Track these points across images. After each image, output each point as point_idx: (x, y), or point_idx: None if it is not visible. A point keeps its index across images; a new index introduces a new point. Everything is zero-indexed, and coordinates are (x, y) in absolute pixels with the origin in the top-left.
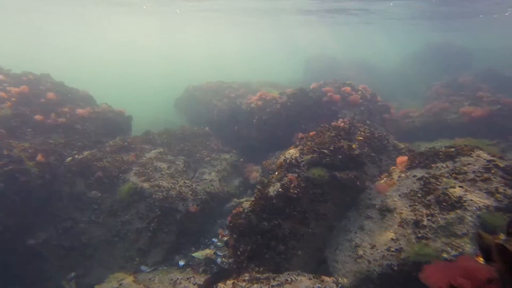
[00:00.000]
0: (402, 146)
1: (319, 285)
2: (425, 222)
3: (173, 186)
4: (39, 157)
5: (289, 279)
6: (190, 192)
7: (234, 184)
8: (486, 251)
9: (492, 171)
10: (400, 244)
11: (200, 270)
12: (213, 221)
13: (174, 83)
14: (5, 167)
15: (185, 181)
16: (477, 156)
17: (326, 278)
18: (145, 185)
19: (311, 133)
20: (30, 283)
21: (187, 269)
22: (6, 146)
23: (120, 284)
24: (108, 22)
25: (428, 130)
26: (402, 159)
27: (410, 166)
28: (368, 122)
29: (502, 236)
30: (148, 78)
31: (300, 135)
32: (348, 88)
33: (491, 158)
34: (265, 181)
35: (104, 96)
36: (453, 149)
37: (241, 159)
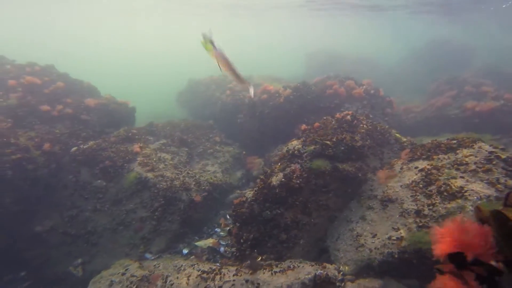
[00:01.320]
0: (404, 139)
1: (321, 271)
2: (426, 212)
3: (176, 176)
4: (46, 146)
5: (291, 265)
6: (194, 183)
7: (237, 176)
8: (484, 223)
9: (494, 162)
10: (401, 233)
11: (204, 258)
12: (216, 211)
13: (176, 77)
14: (13, 155)
15: (189, 171)
16: (479, 148)
17: (328, 265)
18: (149, 175)
19: (315, 125)
20: (35, 268)
21: (191, 257)
22: (13, 135)
23: (126, 270)
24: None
25: (431, 125)
26: (407, 151)
27: (412, 158)
28: (370, 116)
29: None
30: (150, 72)
31: (304, 127)
32: (351, 82)
33: (493, 149)
34: (268, 171)
35: (108, 90)
36: (454, 141)
37: (244, 152)
